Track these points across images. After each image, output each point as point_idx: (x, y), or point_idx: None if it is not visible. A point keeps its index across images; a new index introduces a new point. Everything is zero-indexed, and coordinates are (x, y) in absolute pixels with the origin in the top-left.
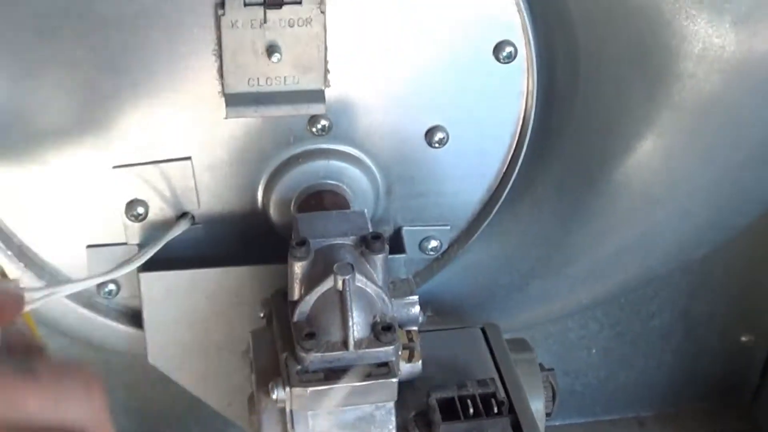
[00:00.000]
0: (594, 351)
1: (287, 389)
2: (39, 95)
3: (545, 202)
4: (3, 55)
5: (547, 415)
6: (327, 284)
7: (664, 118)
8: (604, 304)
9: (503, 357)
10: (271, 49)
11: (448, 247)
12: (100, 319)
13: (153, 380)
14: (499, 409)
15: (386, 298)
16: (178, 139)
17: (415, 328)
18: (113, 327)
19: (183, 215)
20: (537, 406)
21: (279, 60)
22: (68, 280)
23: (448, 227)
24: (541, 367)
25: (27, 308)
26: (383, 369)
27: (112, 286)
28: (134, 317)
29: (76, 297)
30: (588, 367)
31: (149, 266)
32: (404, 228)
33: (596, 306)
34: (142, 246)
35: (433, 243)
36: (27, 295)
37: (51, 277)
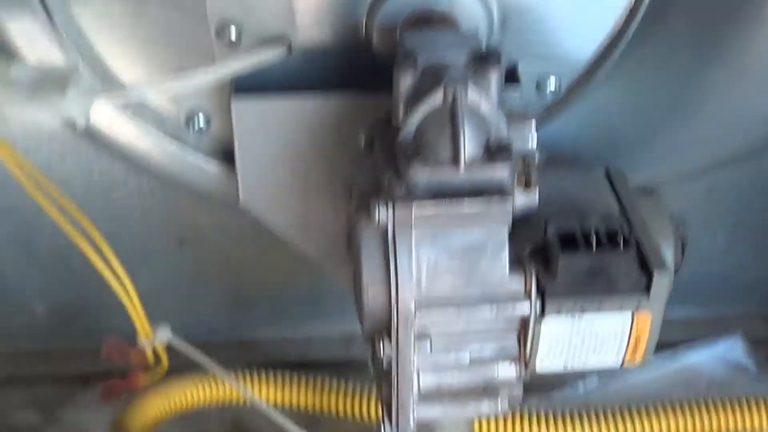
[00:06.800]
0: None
1: (390, 208)
2: None
3: (679, 37)
4: None
5: (675, 271)
6: (436, 98)
7: None
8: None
9: (628, 198)
10: None
11: (568, 89)
12: (189, 156)
13: (247, 256)
14: (626, 243)
15: (502, 118)
16: None
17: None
18: (202, 164)
19: (278, 40)
20: (666, 254)
21: None
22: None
23: (569, 66)
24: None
25: None
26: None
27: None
28: (227, 154)
29: (163, 129)
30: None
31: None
32: (520, 64)
33: (722, 166)
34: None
35: (552, 83)
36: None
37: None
